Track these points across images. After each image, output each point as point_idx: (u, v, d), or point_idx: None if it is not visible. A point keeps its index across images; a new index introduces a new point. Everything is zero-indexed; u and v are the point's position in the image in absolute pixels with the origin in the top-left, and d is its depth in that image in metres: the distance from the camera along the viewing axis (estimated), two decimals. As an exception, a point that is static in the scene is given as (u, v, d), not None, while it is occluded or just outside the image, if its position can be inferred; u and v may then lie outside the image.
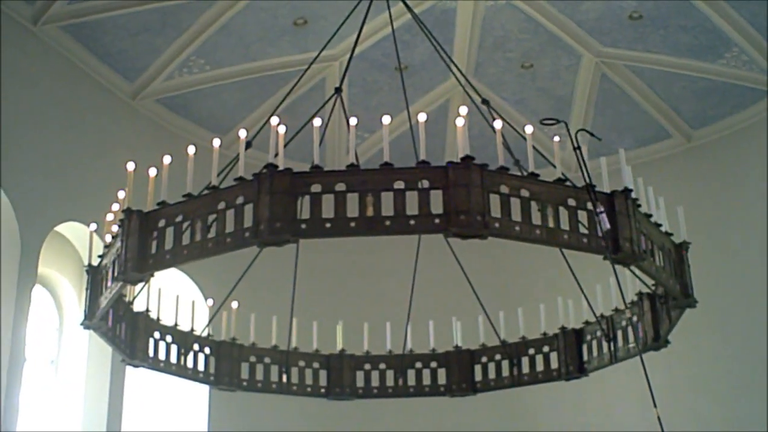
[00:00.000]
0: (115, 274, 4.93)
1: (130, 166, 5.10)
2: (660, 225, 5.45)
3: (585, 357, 6.96)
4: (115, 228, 5.15)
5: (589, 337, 6.93)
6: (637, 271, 5.29)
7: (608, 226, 4.65)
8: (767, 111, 11.36)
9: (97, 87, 10.65)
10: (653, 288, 6.11)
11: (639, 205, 5.03)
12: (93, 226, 5.87)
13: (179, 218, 4.68)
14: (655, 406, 5.34)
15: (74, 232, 10.01)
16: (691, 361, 10.93)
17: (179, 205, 4.72)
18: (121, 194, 5.14)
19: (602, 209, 4.67)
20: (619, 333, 6.62)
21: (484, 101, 6.60)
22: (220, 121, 11.79)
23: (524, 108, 12.03)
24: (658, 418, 5.35)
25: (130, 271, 4.71)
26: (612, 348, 6.66)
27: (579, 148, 5.21)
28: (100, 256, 5.52)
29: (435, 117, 11.68)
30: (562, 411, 11.93)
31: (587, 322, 6.92)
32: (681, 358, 10.14)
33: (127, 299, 6.11)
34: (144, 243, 4.74)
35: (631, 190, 4.89)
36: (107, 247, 5.33)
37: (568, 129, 5.52)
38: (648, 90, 11.67)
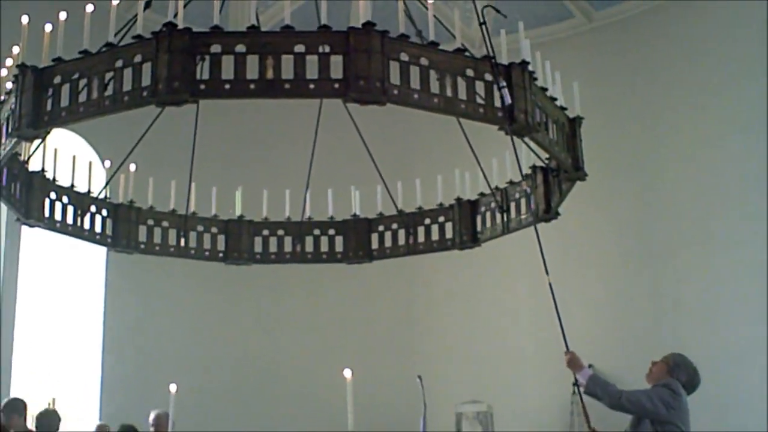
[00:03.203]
0: (9, 130, 4.86)
1: (24, 19, 4.98)
2: (555, 99, 5.58)
3: (479, 227, 7.15)
4: (9, 84, 5.05)
5: (483, 209, 7.12)
6: (532, 144, 5.44)
7: (510, 100, 4.76)
8: None
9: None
10: (546, 161, 6.29)
11: (535, 78, 5.13)
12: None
13: (75, 75, 4.62)
14: (547, 273, 5.57)
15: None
16: (580, 235, 11.28)
17: (75, 61, 4.65)
18: (16, 49, 5.02)
19: (504, 84, 4.77)
20: (513, 205, 6.82)
21: (388, -31, 6.56)
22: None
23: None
24: (550, 285, 5.59)
25: (24, 127, 4.65)
26: (505, 219, 6.87)
27: (485, 23, 5.26)
28: (-7, 113, 5.41)
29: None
30: (456, 280, 12.25)
31: (482, 194, 7.09)
32: (571, 232, 10.48)
33: (22, 158, 6.03)
34: (39, 99, 4.67)
35: (528, 63, 4.99)
36: (1, 103, 5.22)
37: (474, 4, 5.54)
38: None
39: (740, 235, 10.47)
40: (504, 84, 4.76)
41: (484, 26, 5.22)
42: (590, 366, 10.12)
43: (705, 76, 11.11)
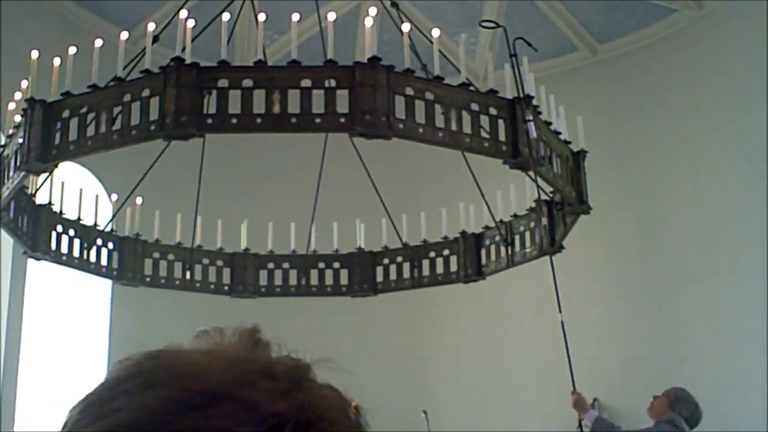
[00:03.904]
0: (18, 164, 4.90)
1: (34, 54, 5.03)
2: (559, 133, 5.62)
3: (483, 261, 7.15)
4: (17, 118, 5.09)
5: (487, 242, 7.12)
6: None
7: (535, 135, 4.79)
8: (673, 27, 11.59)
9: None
10: (551, 195, 6.31)
11: (540, 112, 5.17)
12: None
13: (84, 109, 4.67)
14: (560, 311, 5.56)
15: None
16: (583, 268, 11.27)
17: (84, 95, 4.70)
18: (24, 84, 5.07)
19: (531, 118, 4.80)
20: (517, 238, 6.84)
21: (393, 3, 6.63)
22: (127, 15, 11.54)
23: (434, 14, 12.03)
24: (562, 324, 5.57)
25: (33, 161, 4.69)
26: (509, 252, 6.88)
27: (515, 54, 5.28)
28: (1, 146, 5.46)
29: (346, 21, 11.62)
30: (461, 314, 12.23)
31: (487, 227, 7.10)
32: (574, 265, 10.48)
33: (29, 191, 6.07)
34: (47, 133, 4.71)
35: (532, 97, 5.02)
36: (9, 137, 5.27)
37: (506, 35, 5.56)
38: (556, 2, 11.77)
39: (745, 267, 10.45)
40: (530, 118, 4.79)
41: (514, 58, 5.23)
42: (595, 400, 10.18)
43: (709, 109, 11.14)
